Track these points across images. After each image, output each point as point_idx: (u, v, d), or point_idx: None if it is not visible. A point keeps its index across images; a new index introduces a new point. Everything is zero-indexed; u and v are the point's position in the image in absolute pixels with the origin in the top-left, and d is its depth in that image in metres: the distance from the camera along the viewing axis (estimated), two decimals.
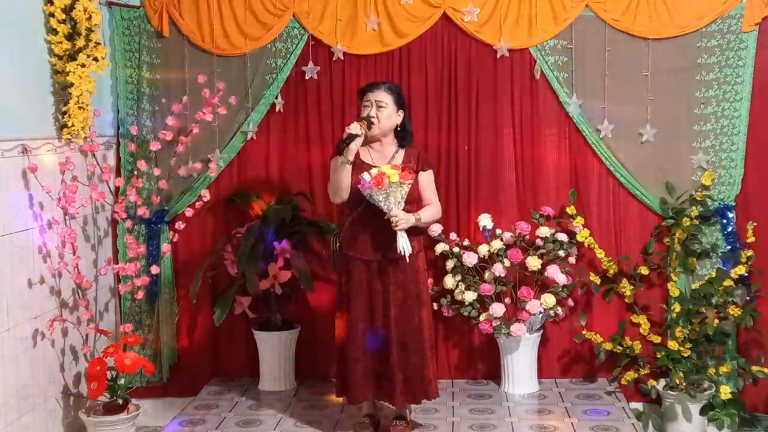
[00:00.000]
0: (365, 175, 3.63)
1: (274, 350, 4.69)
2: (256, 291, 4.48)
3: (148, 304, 4.74)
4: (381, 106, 3.78)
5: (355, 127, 3.67)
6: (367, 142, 3.80)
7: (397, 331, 3.76)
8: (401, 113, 3.85)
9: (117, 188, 4.65)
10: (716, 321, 4.17)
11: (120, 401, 4.11)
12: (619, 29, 4.51)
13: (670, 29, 4.48)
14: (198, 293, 4.57)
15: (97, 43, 4.19)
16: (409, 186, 3.67)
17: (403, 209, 3.69)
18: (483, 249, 4.55)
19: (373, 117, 3.75)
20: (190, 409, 4.44)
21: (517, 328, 4.43)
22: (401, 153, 3.86)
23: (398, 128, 3.86)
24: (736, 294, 4.26)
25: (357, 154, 3.76)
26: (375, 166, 3.72)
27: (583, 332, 4.51)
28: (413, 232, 3.78)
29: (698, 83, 4.50)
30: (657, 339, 4.49)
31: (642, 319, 4.54)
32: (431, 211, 3.90)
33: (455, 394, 4.58)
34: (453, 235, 4.65)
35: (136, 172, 4.53)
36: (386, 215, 3.66)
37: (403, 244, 3.68)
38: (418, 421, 4.11)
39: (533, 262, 4.48)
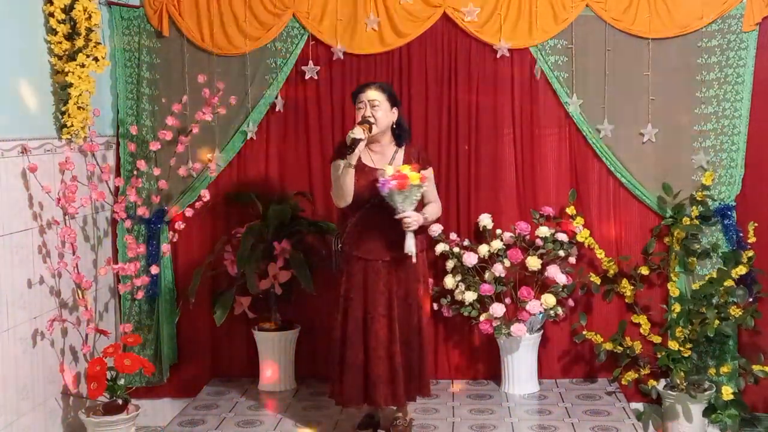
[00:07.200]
0: (386, 175, 3.62)
1: (274, 350, 4.69)
2: (257, 291, 4.48)
3: (147, 304, 4.74)
4: (375, 105, 3.77)
5: (358, 131, 3.66)
6: (367, 143, 3.79)
7: (399, 329, 3.76)
8: (395, 111, 3.85)
9: (117, 188, 4.65)
10: (717, 322, 4.16)
11: (120, 401, 4.11)
12: (619, 29, 4.51)
13: (671, 29, 4.48)
14: (198, 293, 4.57)
15: (97, 43, 4.18)
16: (424, 188, 3.70)
17: None
18: (483, 249, 4.54)
19: (369, 117, 3.75)
20: (190, 409, 4.44)
21: (517, 328, 4.43)
22: (401, 152, 3.86)
23: (394, 126, 3.87)
24: (737, 294, 4.26)
25: (358, 157, 3.76)
26: (377, 168, 3.74)
27: (584, 332, 4.51)
28: (418, 231, 3.79)
29: (699, 83, 4.50)
30: (657, 339, 4.49)
31: (642, 320, 4.54)
32: (434, 208, 3.94)
33: (455, 394, 4.58)
34: (453, 235, 4.65)
35: (135, 172, 4.53)
36: (396, 215, 3.65)
37: (411, 245, 3.69)
38: (418, 420, 4.10)
39: (533, 262, 4.48)
